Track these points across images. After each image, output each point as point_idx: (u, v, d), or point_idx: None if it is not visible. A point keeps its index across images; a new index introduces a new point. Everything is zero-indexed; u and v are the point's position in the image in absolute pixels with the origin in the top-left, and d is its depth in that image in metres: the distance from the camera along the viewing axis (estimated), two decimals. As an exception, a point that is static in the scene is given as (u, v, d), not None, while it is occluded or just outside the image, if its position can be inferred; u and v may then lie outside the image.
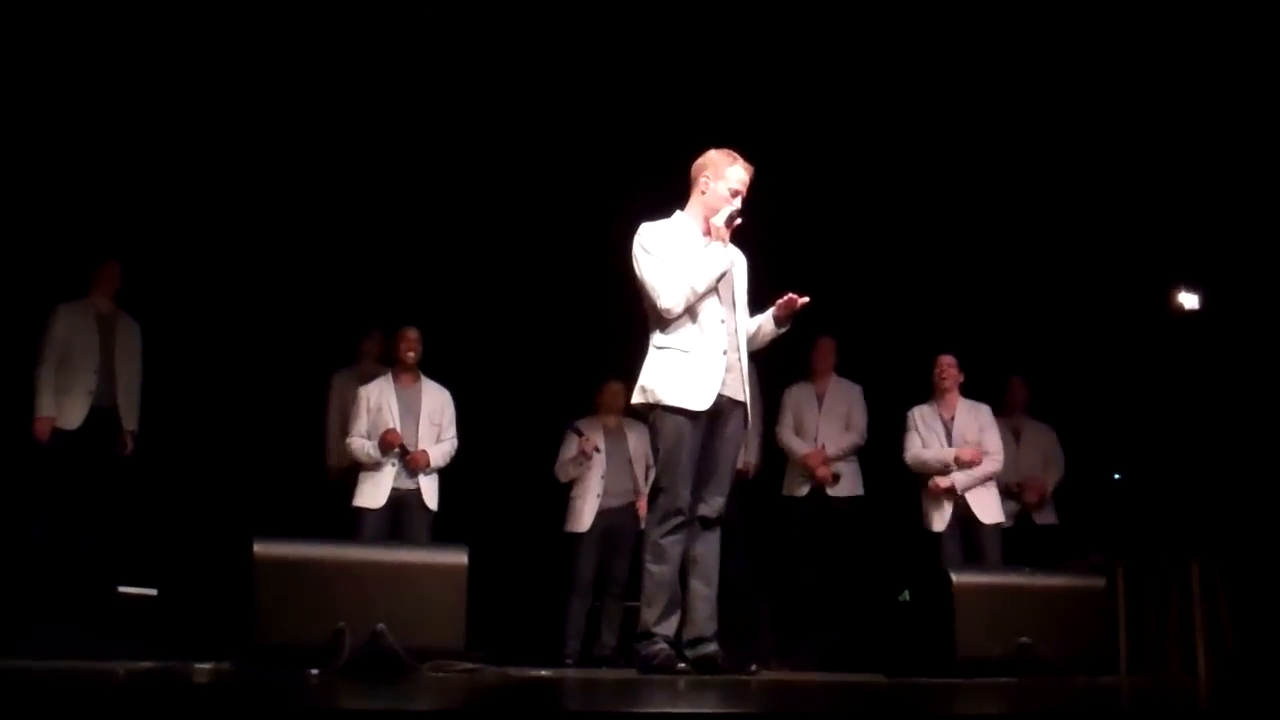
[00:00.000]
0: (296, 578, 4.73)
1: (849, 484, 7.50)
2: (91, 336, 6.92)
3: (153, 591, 6.26)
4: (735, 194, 5.02)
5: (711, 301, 4.98)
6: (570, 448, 7.40)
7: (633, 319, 8.08)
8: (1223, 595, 7.02)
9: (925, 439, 7.02)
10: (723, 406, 4.99)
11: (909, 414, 7.14)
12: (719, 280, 4.97)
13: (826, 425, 7.55)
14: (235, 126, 7.84)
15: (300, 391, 7.71)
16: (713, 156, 5.07)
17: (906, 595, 6.12)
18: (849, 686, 4.39)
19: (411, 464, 6.60)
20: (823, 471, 7.44)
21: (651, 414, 4.98)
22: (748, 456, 7.65)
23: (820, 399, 7.64)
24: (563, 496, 7.45)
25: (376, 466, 6.58)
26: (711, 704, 3.07)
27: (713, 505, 5.05)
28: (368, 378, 6.98)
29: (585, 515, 7.27)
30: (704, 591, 5.02)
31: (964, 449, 6.91)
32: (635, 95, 8.05)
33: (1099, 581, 5.84)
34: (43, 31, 7.10)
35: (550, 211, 8.31)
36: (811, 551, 7.47)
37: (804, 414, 7.62)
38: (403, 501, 6.64)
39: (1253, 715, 2.95)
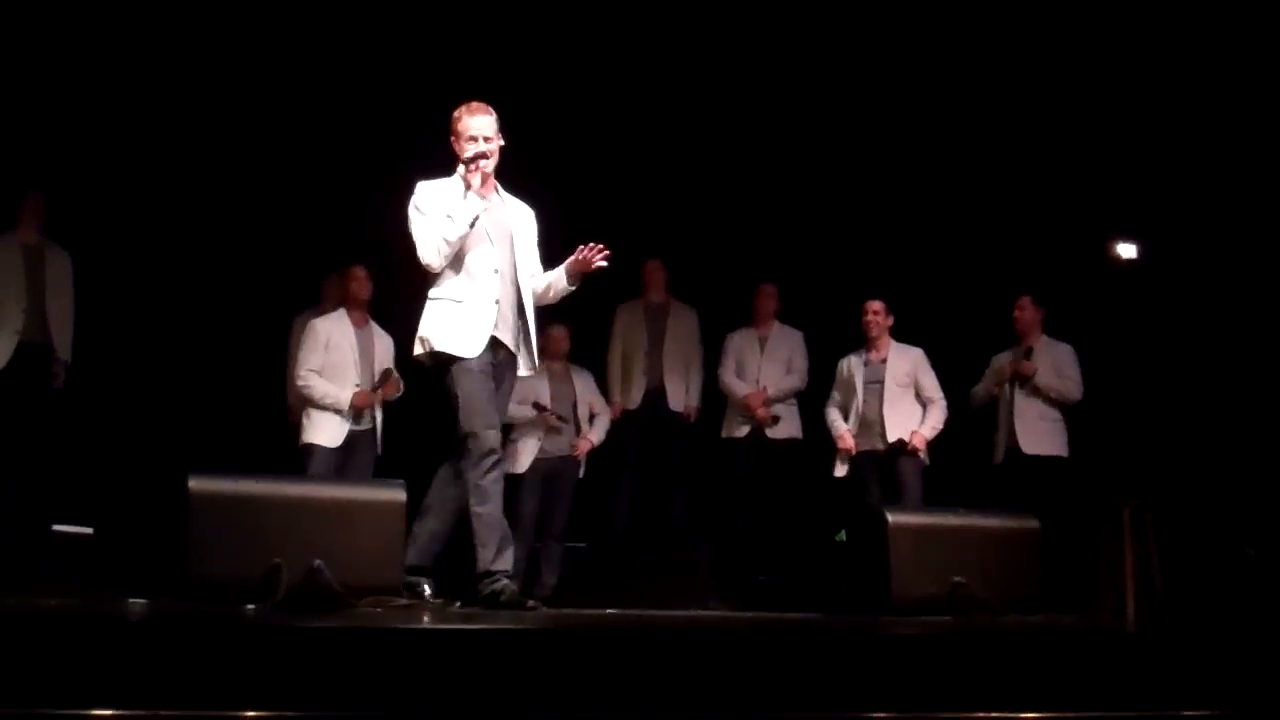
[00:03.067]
0: (232, 513, 4.69)
1: (788, 426, 7.54)
2: (16, 272, 6.76)
3: (88, 530, 6.21)
4: (473, 140, 5.09)
5: (483, 252, 5.09)
6: (515, 394, 7.36)
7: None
8: (1153, 540, 7.12)
9: (842, 392, 7.16)
10: (501, 354, 5.14)
11: (838, 365, 7.23)
12: (471, 227, 5.03)
13: (768, 368, 7.59)
14: (170, 46, 7.64)
15: (242, 325, 7.62)
16: (453, 115, 5.17)
17: (843, 536, 6.21)
18: (785, 624, 4.43)
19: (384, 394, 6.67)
20: (762, 412, 7.47)
21: (431, 364, 5.10)
22: (688, 400, 7.70)
23: (762, 343, 7.68)
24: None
25: (332, 406, 6.55)
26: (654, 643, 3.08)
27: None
28: None
29: (524, 457, 7.25)
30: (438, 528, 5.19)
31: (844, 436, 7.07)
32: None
33: (1032, 523, 5.91)
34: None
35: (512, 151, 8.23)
36: (750, 493, 7.51)
37: (746, 357, 7.66)
38: (356, 442, 6.64)
39: (1176, 649, 3.00)
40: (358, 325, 6.75)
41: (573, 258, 5.17)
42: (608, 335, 7.87)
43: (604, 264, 5.15)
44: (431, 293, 5.11)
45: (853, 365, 7.22)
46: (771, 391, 7.51)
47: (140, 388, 7.58)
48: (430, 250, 5.02)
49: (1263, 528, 7.12)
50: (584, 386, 7.46)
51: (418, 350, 5.13)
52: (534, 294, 5.25)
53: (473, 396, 4.99)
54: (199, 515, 4.65)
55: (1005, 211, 8.32)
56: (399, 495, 4.92)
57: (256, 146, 7.81)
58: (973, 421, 7.25)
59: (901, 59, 8.16)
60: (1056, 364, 7.24)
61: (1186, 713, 2.70)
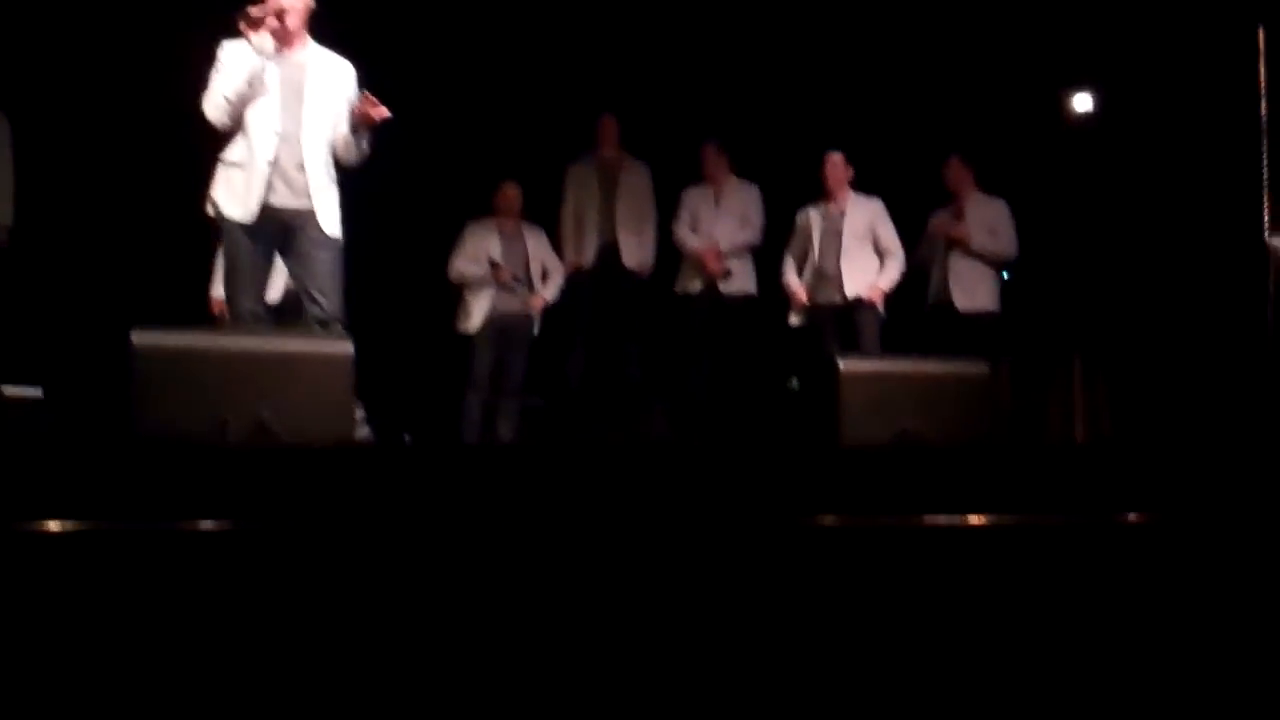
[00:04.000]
0: (177, 368, 4.64)
1: (742, 281, 7.51)
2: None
3: (37, 391, 6.16)
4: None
5: (266, 112, 5.04)
6: (466, 249, 7.32)
7: (533, 121, 8.00)
8: (1103, 388, 7.21)
9: (800, 244, 7.15)
10: (288, 218, 5.12)
11: (796, 216, 7.22)
12: (249, 85, 4.97)
13: (722, 223, 7.52)
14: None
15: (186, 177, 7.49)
16: None
17: (795, 384, 6.23)
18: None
19: None
20: (714, 265, 7.43)
21: (217, 225, 5.18)
22: (642, 257, 7.66)
23: (717, 198, 7.61)
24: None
25: None
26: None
27: (318, 309, 5.17)
28: None
29: (477, 315, 7.24)
30: None
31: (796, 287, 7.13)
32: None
33: (983, 369, 5.93)
34: None
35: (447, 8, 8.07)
36: (704, 348, 7.51)
37: (700, 212, 7.60)
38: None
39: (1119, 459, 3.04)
40: None
41: (353, 110, 5.14)
42: (560, 192, 7.78)
43: (384, 116, 5.15)
44: (222, 154, 5.12)
45: (811, 217, 7.20)
46: (724, 246, 7.46)
47: (85, 246, 7.46)
48: (210, 106, 5.01)
49: (1207, 378, 7.20)
50: (537, 244, 7.42)
51: (209, 210, 5.19)
52: (333, 154, 5.21)
53: (234, 264, 5.12)
54: (143, 370, 4.60)
55: (964, 63, 8.23)
56: (347, 349, 4.88)
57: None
58: (915, 279, 7.25)
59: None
60: (989, 221, 7.24)
61: (1129, 516, 2.76)
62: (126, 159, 7.60)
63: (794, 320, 7.17)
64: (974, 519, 2.69)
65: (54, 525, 2.45)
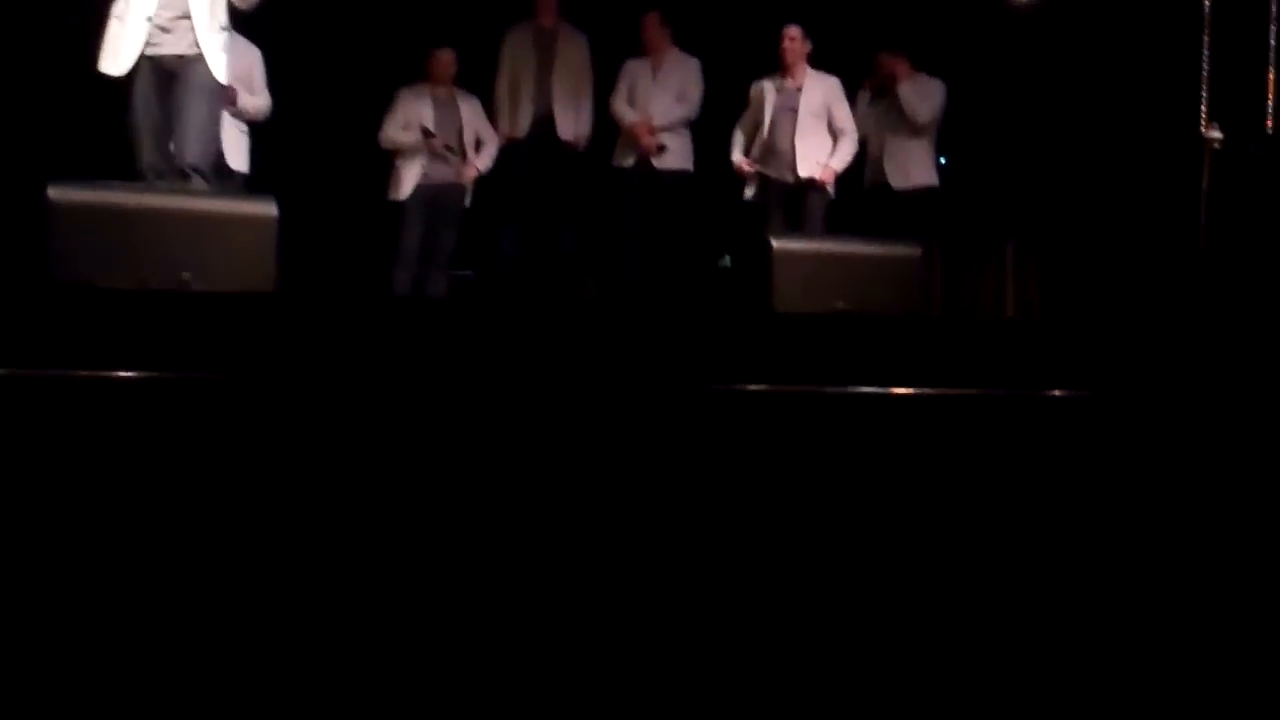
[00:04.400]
0: (95, 225, 4.53)
1: (677, 158, 7.39)
2: None
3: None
4: None
5: None
6: (398, 116, 7.16)
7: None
8: (1034, 275, 7.24)
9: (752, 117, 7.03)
10: (172, 65, 5.16)
11: (751, 87, 7.10)
12: None
13: (658, 97, 7.38)
14: None
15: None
16: None
17: (728, 261, 6.19)
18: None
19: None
20: (648, 141, 7.31)
21: None
22: (578, 129, 7.52)
23: (655, 71, 7.46)
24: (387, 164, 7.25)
25: None
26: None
27: (187, 156, 5.18)
28: None
29: (407, 183, 7.10)
30: None
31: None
32: None
33: (915, 251, 5.92)
34: None
35: None
36: (637, 224, 7.42)
37: (638, 85, 7.45)
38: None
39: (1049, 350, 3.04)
40: None
41: None
42: (496, 60, 7.60)
43: None
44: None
45: (765, 90, 7.07)
46: (660, 120, 7.33)
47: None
48: None
49: (1138, 266, 7.25)
50: (471, 113, 7.27)
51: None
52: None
53: (128, 118, 5.19)
54: (59, 226, 4.48)
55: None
56: (270, 210, 4.78)
57: None
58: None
59: None
60: (919, 89, 7.18)
61: (1055, 392, 2.77)
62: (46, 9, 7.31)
63: (748, 194, 7.08)
64: (900, 390, 2.68)
65: None
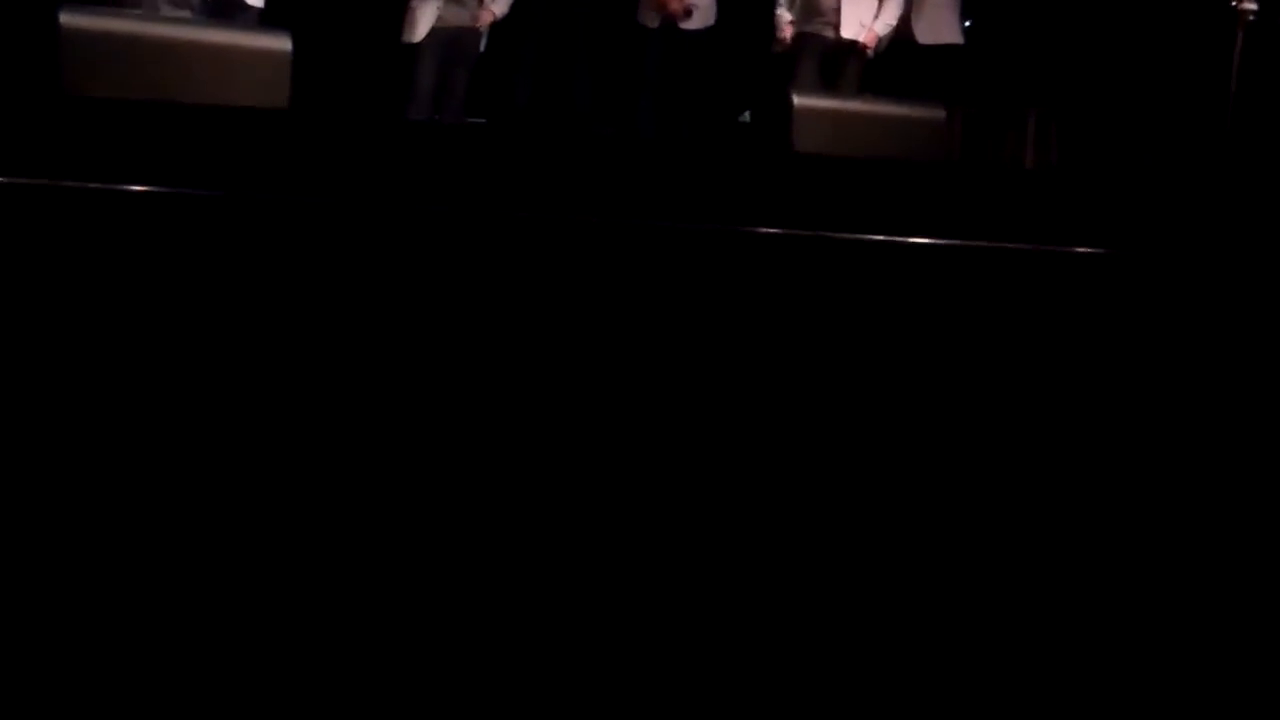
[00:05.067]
0: (106, 53, 4.45)
1: (702, 16, 7.24)
2: None
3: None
4: None
5: None
6: None
7: None
8: (1055, 145, 7.15)
9: None
10: None
11: None
12: None
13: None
14: None
15: None
16: None
17: (747, 116, 6.09)
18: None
19: None
20: (675, 5, 7.15)
21: None
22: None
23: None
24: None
25: None
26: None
27: None
28: None
29: (421, 25, 6.94)
30: None
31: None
32: None
33: (939, 113, 5.83)
34: None
35: None
36: (657, 81, 7.29)
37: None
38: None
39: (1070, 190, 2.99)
40: None
41: None
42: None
43: None
44: None
45: None
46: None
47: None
48: None
49: (1166, 137, 7.15)
50: None
51: None
52: None
53: None
54: (70, 54, 4.41)
55: None
56: (285, 44, 4.69)
57: None
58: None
59: None
60: None
61: (1078, 249, 2.73)
62: None
63: (777, 49, 6.91)
64: (916, 239, 2.65)
65: None
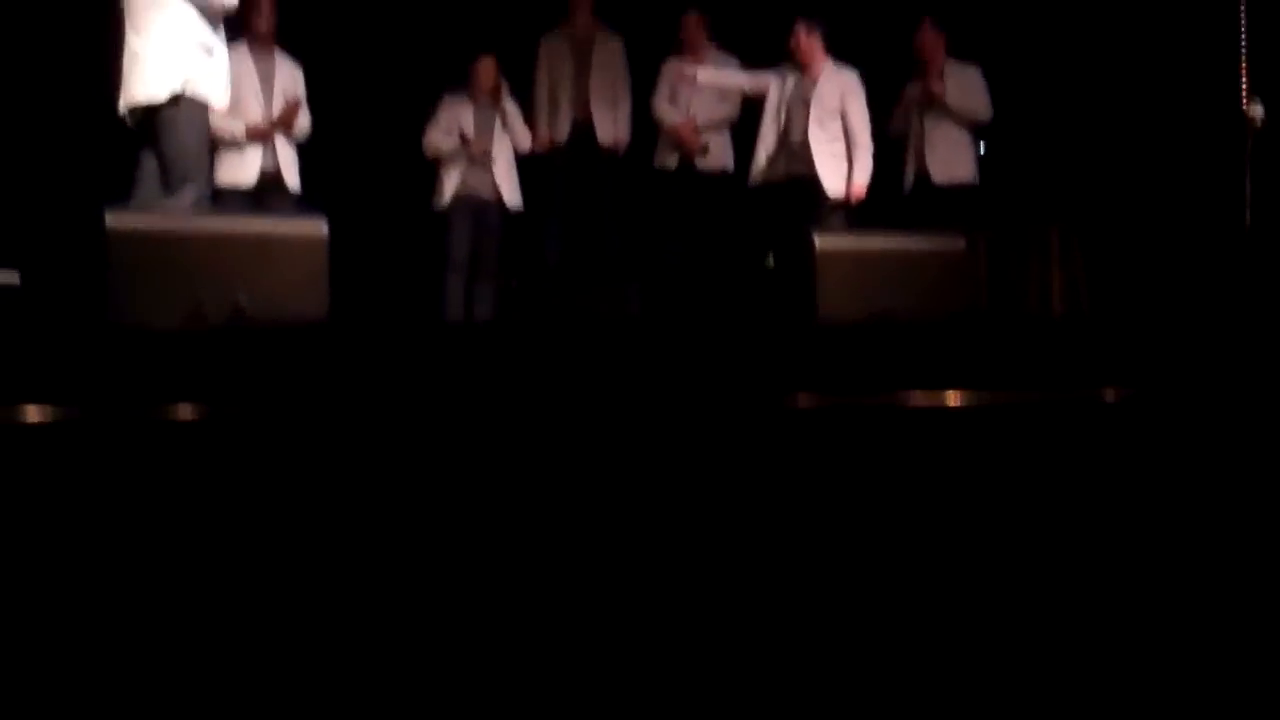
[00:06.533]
0: (151, 251, 4.63)
1: (719, 158, 7.45)
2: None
3: (14, 276, 6.11)
4: None
5: None
6: (440, 123, 7.22)
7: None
8: (1080, 261, 7.21)
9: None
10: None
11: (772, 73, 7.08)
12: None
13: (700, 97, 7.42)
14: None
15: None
16: None
17: (770, 261, 6.20)
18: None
19: (282, 122, 6.50)
20: (691, 140, 7.37)
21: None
22: (617, 132, 7.58)
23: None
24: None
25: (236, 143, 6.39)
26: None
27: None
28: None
29: (449, 190, 7.19)
30: None
31: None
32: None
33: (958, 244, 5.94)
34: None
35: None
36: (680, 225, 7.47)
37: (679, 86, 7.49)
38: (266, 185, 6.50)
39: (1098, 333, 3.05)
40: (260, 55, 6.54)
41: None
42: (532, 68, 7.67)
43: None
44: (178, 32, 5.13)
45: (784, 80, 6.95)
46: (702, 120, 7.39)
47: (58, 125, 7.31)
48: None
49: (1186, 246, 7.21)
50: (512, 118, 7.31)
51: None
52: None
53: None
54: (117, 254, 4.58)
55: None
56: (320, 229, 4.87)
57: None
58: (890, 151, 7.16)
59: None
60: (963, 86, 7.17)
61: (1106, 391, 2.78)
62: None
63: (754, 182, 6.99)
64: (952, 397, 2.71)
65: (33, 413, 2.43)
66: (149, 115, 5.11)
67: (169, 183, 5.06)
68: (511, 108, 7.31)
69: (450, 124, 7.20)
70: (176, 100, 5.07)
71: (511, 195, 7.28)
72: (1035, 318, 4.98)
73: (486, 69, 7.22)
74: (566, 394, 2.65)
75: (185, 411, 2.50)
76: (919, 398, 2.70)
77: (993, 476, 2.63)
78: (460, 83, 7.30)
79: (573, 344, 2.89)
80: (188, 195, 5.03)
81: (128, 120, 5.20)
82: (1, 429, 2.42)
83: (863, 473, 2.59)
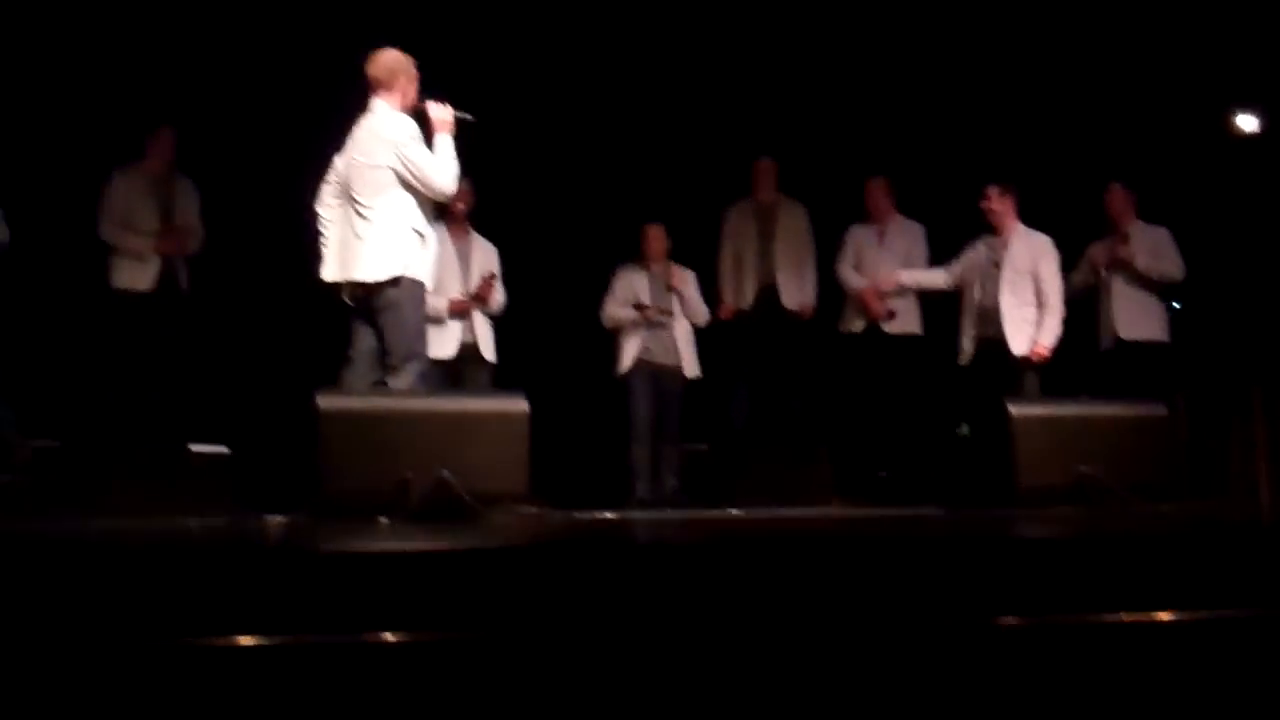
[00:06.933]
0: (361, 429, 4.81)
1: (906, 321, 7.45)
2: (148, 199, 7.00)
3: (224, 449, 6.38)
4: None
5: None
6: (617, 294, 7.38)
7: (673, 162, 8.01)
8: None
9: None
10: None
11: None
12: None
13: (886, 262, 7.46)
14: None
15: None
16: (403, 61, 5.47)
17: (965, 429, 6.15)
18: (909, 519, 4.43)
19: (479, 297, 6.74)
20: (877, 306, 7.40)
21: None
22: (803, 298, 7.65)
23: (881, 236, 7.57)
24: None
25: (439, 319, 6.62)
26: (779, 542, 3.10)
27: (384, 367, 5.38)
28: None
29: (628, 357, 7.32)
30: None
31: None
32: None
33: (1160, 410, 5.82)
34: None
35: (588, 56, 8.18)
36: (868, 389, 7.46)
37: (864, 251, 7.56)
38: (464, 356, 6.74)
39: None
40: (458, 237, 6.83)
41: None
42: (718, 237, 7.82)
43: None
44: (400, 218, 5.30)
45: (977, 248, 6.97)
46: (887, 286, 7.42)
47: (270, 308, 7.69)
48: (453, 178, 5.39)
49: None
50: (685, 286, 7.44)
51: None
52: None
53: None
54: (328, 432, 4.77)
55: (1122, 86, 8.07)
56: (522, 406, 4.99)
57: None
58: (1073, 309, 7.05)
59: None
60: (1153, 247, 7.09)
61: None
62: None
63: (964, 359, 6.94)
64: (1163, 615, 2.62)
65: (244, 640, 2.47)
66: (368, 295, 5.29)
67: (391, 362, 5.21)
68: (686, 276, 7.43)
69: (626, 294, 7.36)
70: (398, 281, 5.23)
71: (690, 364, 7.39)
72: (1246, 515, 4.79)
73: (656, 236, 7.39)
74: (759, 609, 2.63)
75: (391, 638, 2.52)
76: (1126, 615, 2.63)
77: (1205, 696, 2.53)
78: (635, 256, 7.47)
79: (764, 551, 2.87)
80: (410, 373, 5.18)
81: (345, 298, 5.39)
82: (215, 654, 2.47)
83: (1068, 696, 2.51)
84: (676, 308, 7.38)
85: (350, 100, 5.89)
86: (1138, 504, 5.28)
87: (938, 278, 7.15)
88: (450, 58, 6.64)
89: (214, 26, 7.74)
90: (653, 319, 7.28)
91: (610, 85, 8.21)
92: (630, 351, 7.33)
